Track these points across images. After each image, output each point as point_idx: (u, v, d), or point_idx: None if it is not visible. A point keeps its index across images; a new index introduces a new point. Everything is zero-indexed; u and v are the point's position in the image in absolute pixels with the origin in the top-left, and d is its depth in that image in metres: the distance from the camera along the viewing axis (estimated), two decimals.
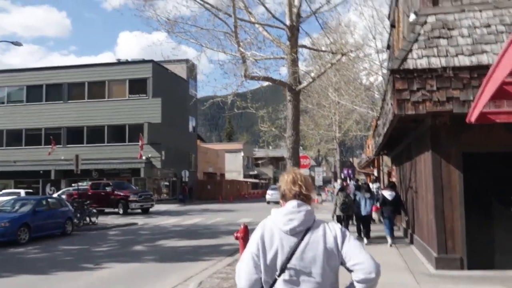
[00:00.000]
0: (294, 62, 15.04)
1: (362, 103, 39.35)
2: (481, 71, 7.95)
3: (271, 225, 2.61)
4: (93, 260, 12.00)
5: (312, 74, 15.20)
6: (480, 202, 8.70)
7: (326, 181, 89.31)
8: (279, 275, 2.48)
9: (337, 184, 47.78)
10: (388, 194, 13.14)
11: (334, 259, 2.49)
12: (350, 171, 76.76)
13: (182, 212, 29.33)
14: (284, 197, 2.68)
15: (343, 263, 2.50)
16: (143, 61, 41.67)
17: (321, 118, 45.73)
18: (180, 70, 48.63)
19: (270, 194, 40.41)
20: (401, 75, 8.23)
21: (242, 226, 10.46)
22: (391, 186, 14.14)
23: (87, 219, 20.82)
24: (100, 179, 41.00)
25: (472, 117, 6.53)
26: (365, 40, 34.29)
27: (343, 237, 2.54)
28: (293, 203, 2.59)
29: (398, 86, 8.22)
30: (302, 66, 16.16)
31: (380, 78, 34.26)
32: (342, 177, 56.12)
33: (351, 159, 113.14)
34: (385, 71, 33.66)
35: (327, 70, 14.57)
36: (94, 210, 21.92)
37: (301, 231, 2.52)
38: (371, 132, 40.81)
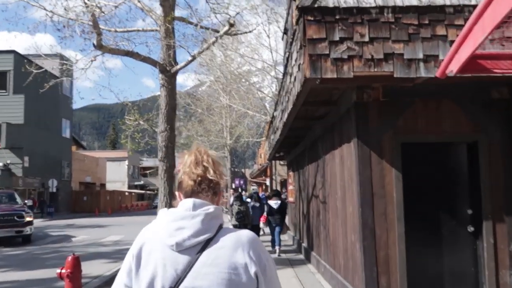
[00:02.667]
0: (169, 34, 11.60)
1: (254, 107, 36.94)
2: (435, 15, 5.17)
3: (152, 236, 1.76)
4: None
5: (194, 52, 11.88)
6: (425, 216, 5.90)
7: None
8: None
9: (229, 195, 44.92)
10: (273, 203, 12.93)
11: None
12: (242, 182, 74.68)
13: (41, 229, 24.24)
14: (181, 187, 1.81)
15: None
16: (3, 51, 35.41)
17: (211, 123, 42.67)
18: (53, 67, 42.69)
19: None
20: (315, 16, 5.17)
21: (69, 257, 6.66)
22: (276, 194, 13.67)
23: None
24: None
25: (452, 65, 3.61)
26: (258, 38, 31.94)
27: (263, 264, 1.68)
28: (187, 203, 1.71)
29: (312, 34, 5.13)
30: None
31: (273, 88, 32.07)
32: (234, 187, 53.47)
33: (243, 170, 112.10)
34: (279, 76, 31.60)
35: (211, 45, 11.33)
36: None
37: (196, 245, 1.65)
38: (264, 137, 38.56)
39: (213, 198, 1.78)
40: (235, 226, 12.71)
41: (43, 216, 37.57)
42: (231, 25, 10.98)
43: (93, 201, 46.56)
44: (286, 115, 8.19)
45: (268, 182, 39.80)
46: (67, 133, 45.81)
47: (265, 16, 30.10)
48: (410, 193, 5.73)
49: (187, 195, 1.75)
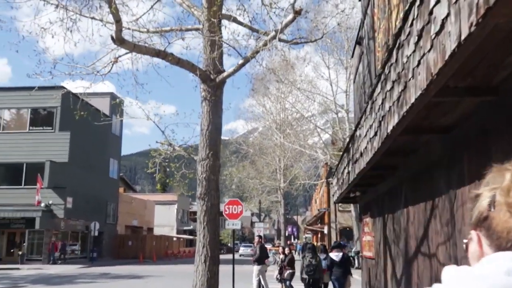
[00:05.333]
0: (214, 29, 8.86)
1: (311, 146, 33.77)
2: None
3: None
4: None
5: (241, 61, 9.04)
6: None
7: (269, 239, 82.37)
8: None
9: (281, 243, 41.19)
10: (334, 255, 12.17)
11: None
12: (294, 229, 70.58)
13: (71, 278, 21.61)
14: (490, 229, 0.99)
15: None
16: (51, 87, 34.37)
17: (264, 165, 39.74)
18: (102, 106, 41.61)
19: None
20: None
21: None
22: (337, 246, 12.77)
23: None
24: None
25: None
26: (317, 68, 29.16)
27: None
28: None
29: None
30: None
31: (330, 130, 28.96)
32: (286, 234, 49.64)
33: (295, 217, 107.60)
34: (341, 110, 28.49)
35: (270, 42, 8.40)
36: None
37: None
38: (322, 180, 35.02)
39: None
40: (303, 280, 12.04)
41: (87, 261, 35.30)
42: (297, 13, 8.07)
43: (138, 246, 44.07)
44: (392, 123, 5.00)
45: (325, 230, 36.01)
46: (114, 174, 44.15)
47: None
48: None
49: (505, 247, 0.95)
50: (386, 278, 9.45)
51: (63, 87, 34.21)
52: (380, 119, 5.68)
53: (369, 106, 6.70)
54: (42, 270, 27.23)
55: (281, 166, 37.39)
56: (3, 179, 33.72)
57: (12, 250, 33.36)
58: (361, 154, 7.60)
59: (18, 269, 28.15)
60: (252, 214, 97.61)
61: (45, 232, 32.53)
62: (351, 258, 13.45)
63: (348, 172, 9.67)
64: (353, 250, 14.71)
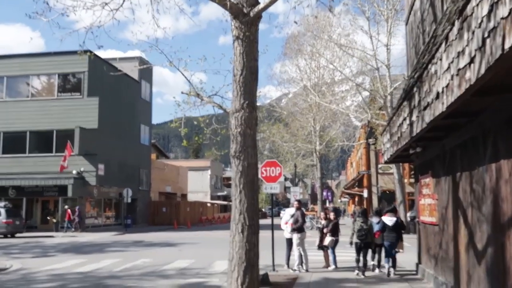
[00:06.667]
0: None
1: (347, 107, 31.86)
2: None
3: None
4: None
5: None
6: None
7: (303, 204, 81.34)
8: None
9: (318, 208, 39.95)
10: (388, 219, 12.06)
11: None
12: (329, 193, 69.29)
13: (102, 246, 20.94)
14: None
15: None
16: (77, 52, 33.28)
17: (298, 128, 38.08)
18: (131, 70, 40.47)
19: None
20: None
21: None
22: (391, 210, 12.59)
23: None
24: (18, 198, 32.37)
25: None
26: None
27: None
28: None
29: None
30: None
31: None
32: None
33: (328, 181, 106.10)
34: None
35: None
36: None
37: None
38: (362, 140, 33.08)
39: None
40: (356, 244, 11.72)
41: (121, 228, 34.97)
42: None
43: (172, 212, 43.61)
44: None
45: (365, 194, 34.47)
46: (146, 141, 43.40)
47: None
48: None
49: None
50: (457, 249, 7.93)
51: (90, 51, 33.25)
52: (485, 35, 4.05)
53: (456, 28, 5.04)
54: (75, 238, 26.83)
55: (316, 128, 35.67)
56: (34, 147, 33.29)
57: (47, 218, 33.24)
58: (437, 96, 5.97)
59: (52, 237, 27.86)
60: (285, 179, 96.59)
61: (78, 199, 32.13)
62: (404, 223, 12.31)
63: (411, 124, 8.05)
64: (408, 214, 13.29)
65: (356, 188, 40.90)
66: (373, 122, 25.98)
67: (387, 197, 32.75)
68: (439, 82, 5.89)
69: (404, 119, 8.59)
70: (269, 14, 13.11)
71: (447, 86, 5.50)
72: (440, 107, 5.87)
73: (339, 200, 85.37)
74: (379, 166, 32.67)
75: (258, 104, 8.05)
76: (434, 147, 9.46)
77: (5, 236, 27.53)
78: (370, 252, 12.12)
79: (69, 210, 30.92)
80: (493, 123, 6.03)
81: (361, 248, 11.74)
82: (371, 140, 25.89)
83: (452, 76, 5.25)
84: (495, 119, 5.96)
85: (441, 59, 5.77)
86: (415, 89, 7.56)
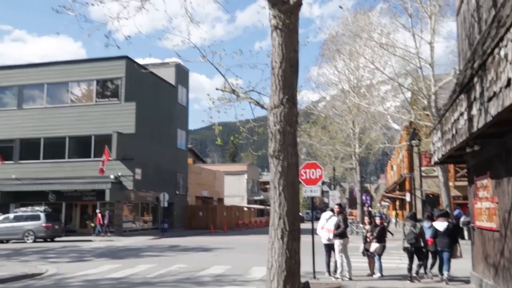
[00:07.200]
0: None
1: (387, 109, 30.75)
2: None
3: None
4: None
5: None
6: None
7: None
8: None
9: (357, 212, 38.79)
10: (439, 224, 11.49)
11: None
12: (367, 197, 67.68)
13: (138, 251, 20.70)
14: None
15: None
16: (115, 58, 33.54)
17: (337, 130, 37.13)
18: (167, 75, 40.60)
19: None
20: None
21: None
22: (443, 215, 11.91)
23: None
24: (58, 202, 32.77)
25: None
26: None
27: None
28: None
29: None
30: None
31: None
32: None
33: (366, 185, 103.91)
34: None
35: None
36: None
37: None
38: (404, 142, 31.74)
39: None
40: (406, 249, 11.42)
41: (158, 232, 34.89)
42: None
43: (209, 216, 43.35)
44: None
45: (407, 198, 33.15)
46: (182, 145, 43.35)
47: None
48: None
49: None
50: None
51: (127, 57, 33.50)
52: None
53: None
54: (113, 242, 26.79)
55: (355, 130, 34.64)
56: (73, 152, 33.67)
57: (86, 222, 33.53)
58: (509, 83, 5.18)
59: (90, 241, 27.95)
60: (323, 183, 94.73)
61: (115, 204, 32.24)
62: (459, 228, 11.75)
63: (469, 119, 7.23)
64: (461, 220, 12.42)
65: (397, 192, 39.53)
66: (416, 123, 24.84)
67: (430, 201, 31.39)
68: (510, 67, 5.11)
69: (461, 114, 7.77)
70: (305, 19, 12.43)
71: None
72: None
73: (378, 204, 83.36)
74: (422, 168, 31.36)
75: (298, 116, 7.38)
76: (493, 146, 8.57)
77: (45, 240, 27.78)
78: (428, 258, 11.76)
79: (99, 214, 31.10)
80: None
81: (412, 253, 11.33)
82: (414, 142, 24.68)
83: None
84: None
85: None
86: (475, 79, 6.75)
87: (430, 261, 11.90)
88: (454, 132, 8.58)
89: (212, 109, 7.89)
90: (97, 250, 21.00)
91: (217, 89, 7.92)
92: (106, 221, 31.11)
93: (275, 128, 6.97)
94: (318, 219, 14.87)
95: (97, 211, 31.64)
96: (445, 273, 11.17)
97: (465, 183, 25.86)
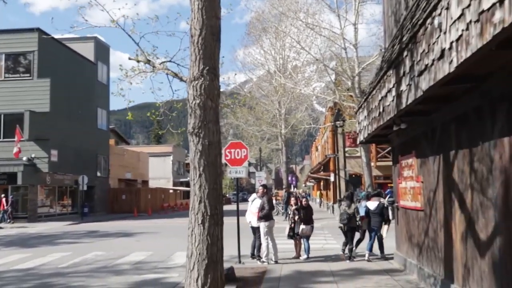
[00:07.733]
0: None
1: (313, 89, 30.89)
2: None
3: None
4: None
5: None
6: None
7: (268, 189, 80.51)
8: None
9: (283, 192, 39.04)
10: (371, 204, 11.87)
11: None
12: (293, 178, 68.75)
13: (53, 238, 19.32)
14: None
15: None
16: (26, 30, 30.92)
17: (263, 112, 36.89)
18: (86, 51, 38.23)
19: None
20: None
21: None
22: (377, 194, 12.56)
23: None
24: None
25: None
26: None
27: None
28: None
29: None
30: None
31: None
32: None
33: (291, 166, 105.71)
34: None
35: None
36: None
37: None
38: (328, 123, 31.97)
39: None
40: (340, 228, 11.87)
41: (77, 217, 33.09)
42: None
43: (132, 199, 41.89)
44: None
45: (332, 178, 33.71)
46: (103, 125, 41.27)
47: None
48: None
49: None
50: (450, 237, 6.96)
51: (39, 29, 30.98)
52: None
53: None
54: (25, 228, 24.96)
55: (281, 111, 34.61)
56: None
57: None
58: (442, 55, 4.86)
59: (1, 228, 25.88)
60: (249, 164, 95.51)
61: (29, 187, 30.07)
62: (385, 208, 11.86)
63: (398, 95, 6.97)
64: (386, 199, 12.53)
65: (322, 173, 40.19)
66: (341, 104, 25.06)
67: (353, 181, 32.10)
68: (444, 37, 4.78)
69: (389, 90, 7.51)
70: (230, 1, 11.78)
71: (458, 40, 4.39)
72: (446, 68, 4.76)
73: (303, 185, 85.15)
74: (346, 149, 31.98)
75: (220, 89, 6.74)
76: (418, 124, 8.44)
77: None
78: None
79: (3, 199, 28.86)
80: (508, 88, 4.98)
81: (346, 232, 11.69)
82: (338, 123, 24.88)
83: (467, 25, 4.14)
84: (508, 83, 4.91)
85: (447, 8, 4.66)
86: (405, 53, 6.45)
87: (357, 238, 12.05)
88: (381, 110, 8.36)
89: (124, 81, 7.03)
90: (5, 239, 19.33)
91: (130, 58, 7.08)
92: (9, 207, 28.83)
93: (195, 102, 6.33)
94: (245, 200, 14.53)
95: (2, 195, 29.30)
96: (367, 253, 11.49)
97: (386, 163, 26.54)
